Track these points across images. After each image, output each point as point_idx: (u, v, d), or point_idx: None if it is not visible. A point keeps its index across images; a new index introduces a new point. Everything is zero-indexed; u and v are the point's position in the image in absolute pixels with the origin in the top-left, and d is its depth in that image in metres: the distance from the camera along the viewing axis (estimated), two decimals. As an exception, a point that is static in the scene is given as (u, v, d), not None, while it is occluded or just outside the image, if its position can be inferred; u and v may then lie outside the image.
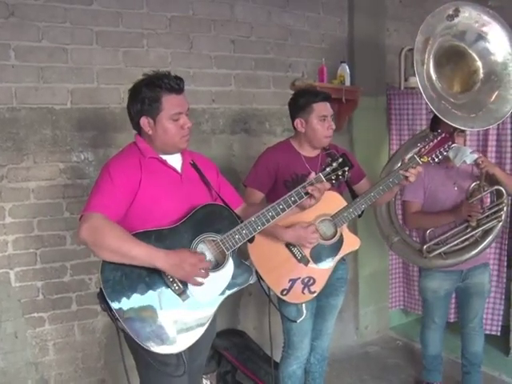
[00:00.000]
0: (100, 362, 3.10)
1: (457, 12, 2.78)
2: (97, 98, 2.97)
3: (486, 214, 2.94)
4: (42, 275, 2.89)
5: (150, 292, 1.92)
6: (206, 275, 1.95)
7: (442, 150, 2.43)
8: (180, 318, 1.95)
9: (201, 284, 1.95)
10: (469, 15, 2.80)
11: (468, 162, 2.79)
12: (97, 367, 3.10)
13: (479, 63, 2.86)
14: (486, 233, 2.95)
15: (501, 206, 2.94)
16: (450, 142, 2.45)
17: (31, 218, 2.84)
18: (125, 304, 1.87)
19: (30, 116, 2.79)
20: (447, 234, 3.02)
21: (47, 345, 2.94)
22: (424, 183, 3.03)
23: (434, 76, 2.85)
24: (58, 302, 2.95)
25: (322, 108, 2.66)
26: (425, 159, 2.42)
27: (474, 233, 2.95)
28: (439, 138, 2.43)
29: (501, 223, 2.95)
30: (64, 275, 2.95)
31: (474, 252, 2.95)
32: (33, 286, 2.87)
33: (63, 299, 2.96)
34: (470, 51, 2.86)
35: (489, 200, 3.11)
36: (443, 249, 3.00)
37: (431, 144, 2.43)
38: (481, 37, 2.83)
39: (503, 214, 2.94)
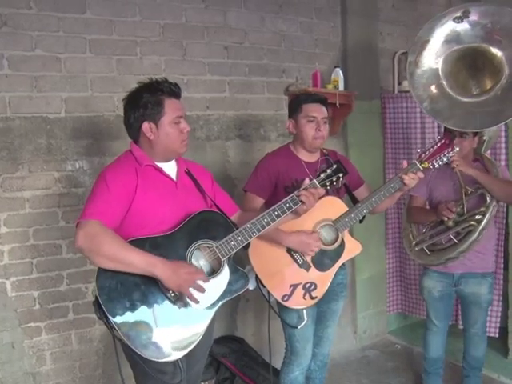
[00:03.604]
0: (98, 370, 3.09)
1: (466, 13, 2.73)
2: (91, 107, 2.97)
3: (465, 216, 2.90)
4: (39, 284, 2.88)
5: (146, 299, 1.92)
6: (201, 290, 1.96)
7: (442, 155, 2.45)
8: (176, 325, 1.95)
9: (197, 301, 1.96)
10: (482, 15, 2.74)
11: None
12: (95, 376, 3.08)
13: (503, 63, 2.76)
14: (465, 236, 2.91)
15: (477, 211, 2.88)
16: (450, 149, 2.46)
17: (27, 227, 2.83)
18: (121, 311, 1.87)
19: (25, 125, 2.79)
20: (431, 232, 3.05)
21: (44, 354, 2.93)
22: (427, 180, 3.04)
23: (442, 76, 2.83)
24: (54, 311, 2.93)
25: (311, 109, 2.66)
26: (425, 165, 2.44)
27: (451, 233, 2.93)
28: (439, 144, 2.45)
29: (479, 228, 2.86)
30: (60, 284, 2.94)
31: (452, 254, 2.93)
32: (29, 295, 2.86)
33: (60, 308, 2.95)
34: (490, 49, 2.78)
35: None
36: (424, 245, 3.04)
37: (431, 150, 2.45)
38: (498, 38, 2.75)
39: (483, 219, 2.86)
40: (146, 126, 2.03)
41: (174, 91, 2.07)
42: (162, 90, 2.04)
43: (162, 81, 2.07)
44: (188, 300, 1.96)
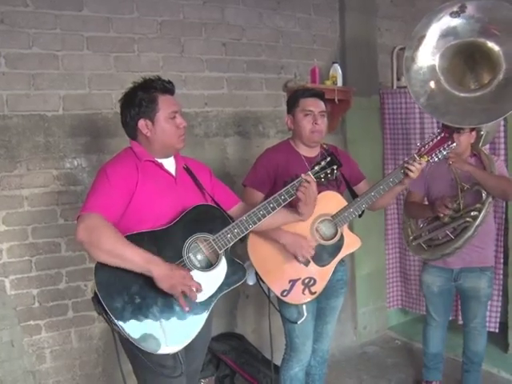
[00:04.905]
0: (98, 368, 3.09)
1: (463, 8, 2.71)
2: (89, 104, 2.96)
3: (461, 212, 2.90)
4: (38, 283, 2.88)
5: (144, 293, 1.92)
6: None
7: (441, 149, 2.47)
8: (175, 318, 1.96)
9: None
10: (479, 9, 2.72)
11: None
12: (95, 374, 3.08)
13: (500, 58, 2.74)
14: (461, 232, 2.92)
15: (473, 208, 2.88)
16: (450, 142, 2.47)
17: (25, 225, 2.83)
18: (119, 305, 1.88)
19: (22, 123, 2.78)
20: (428, 227, 3.07)
21: (44, 352, 2.93)
22: (425, 176, 3.05)
23: (439, 71, 2.83)
24: (54, 309, 2.93)
25: (308, 103, 2.66)
26: (424, 158, 2.46)
27: (447, 228, 2.94)
28: (439, 138, 2.46)
29: (474, 225, 2.87)
30: (59, 282, 2.94)
31: (447, 250, 2.95)
32: (28, 293, 2.86)
33: (59, 306, 2.95)
34: (487, 43, 2.76)
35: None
36: (421, 240, 3.08)
37: (431, 143, 2.46)
38: (495, 32, 2.73)
39: (478, 216, 2.86)
40: (142, 123, 2.06)
41: (167, 88, 2.10)
42: (156, 88, 2.08)
43: (156, 79, 2.11)
44: (178, 302, 1.95)
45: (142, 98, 2.05)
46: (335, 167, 2.20)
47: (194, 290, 1.94)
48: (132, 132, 2.12)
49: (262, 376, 3.29)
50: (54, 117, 2.87)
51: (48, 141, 2.86)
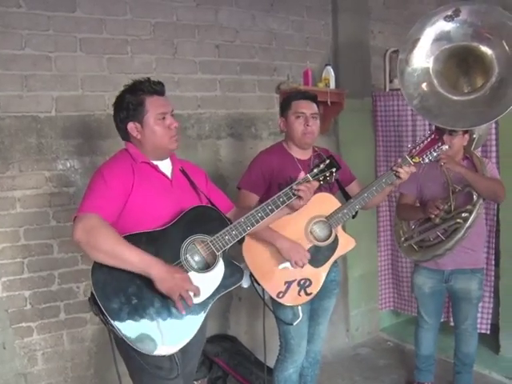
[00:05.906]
0: (90, 370, 3.08)
1: (457, 12, 2.74)
2: (82, 106, 2.96)
3: (452, 214, 2.91)
4: (30, 284, 2.87)
5: (141, 294, 1.92)
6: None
7: (432, 150, 2.49)
8: (172, 319, 1.96)
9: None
10: (472, 14, 2.75)
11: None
12: (87, 376, 3.07)
13: (493, 61, 2.76)
14: (451, 234, 2.93)
15: (463, 209, 2.90)
16: (440, 143, 2.49)
17: (17, 227, 2.82)
18: (116, 306, 1.87)
19: (15, 125, 2.77)
20: (419, 228, 3.08)
21: (36, 355, 2.91)
22: (417, 178, 3.06)
23: (432, 75, 2.85)
24: (46, 311, 2.92)
25: (300, 105, 2.68)
26: (416, 159, 2.48)
27: (438, 230, 2.96)
28: (429, 140, 2.49)
29: (465, 226, 2.88)
30: (52, 284, 2.93)
31: (438, 251, 2.96)
32: (20, 295, 2.84)
33: (51, 308, 2.94)
34: (480, 47, 2.78)
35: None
36: (412, 241, 3.09)
37: (422, 145, 2.49)
38: (487, 36, 2.75)
39: (469, 217, 2.88)
40: (131, 126, 2.07)
41: (154, 89, 2.09)
42: (143, 90, 2.06)
43: (144, 80, 2.09)
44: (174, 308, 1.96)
45: (129, 101, 2.05)
46: (334, 170, 2.19)
47: (192, 295, 1.95)
48: (124, 135, 2.13)
49: (255, 378, 3.30)
50: (46, 118, 2.86)
51: (40, 142, 2.85)
